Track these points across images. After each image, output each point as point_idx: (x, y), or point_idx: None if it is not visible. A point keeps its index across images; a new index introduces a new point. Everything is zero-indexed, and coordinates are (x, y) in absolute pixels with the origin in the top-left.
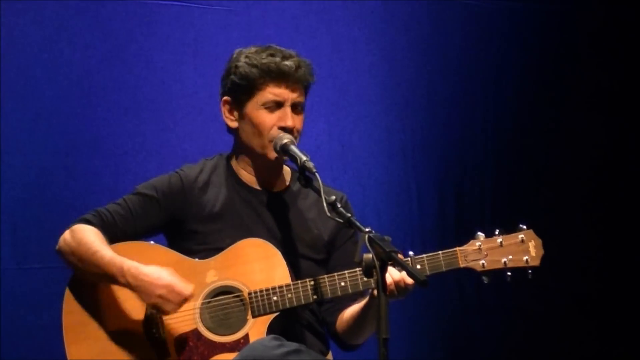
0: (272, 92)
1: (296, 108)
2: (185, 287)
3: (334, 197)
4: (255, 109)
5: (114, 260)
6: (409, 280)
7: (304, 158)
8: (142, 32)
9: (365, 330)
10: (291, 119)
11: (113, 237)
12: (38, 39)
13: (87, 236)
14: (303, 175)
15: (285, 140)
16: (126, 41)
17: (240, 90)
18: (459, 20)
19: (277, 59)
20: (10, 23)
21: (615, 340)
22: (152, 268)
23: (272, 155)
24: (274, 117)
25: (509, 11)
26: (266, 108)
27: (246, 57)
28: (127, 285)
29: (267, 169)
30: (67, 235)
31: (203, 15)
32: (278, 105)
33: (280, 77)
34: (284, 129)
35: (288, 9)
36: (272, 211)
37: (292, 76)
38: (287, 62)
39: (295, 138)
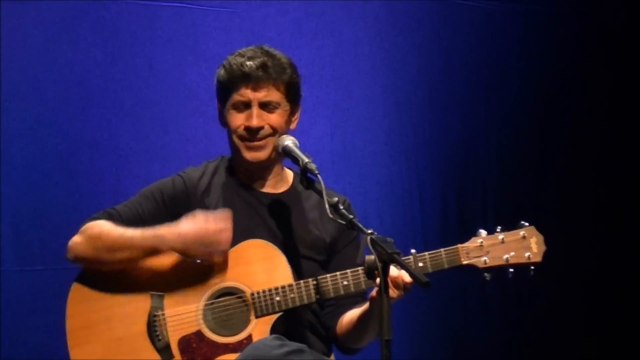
0: (238, 93)
1: (267, 107)
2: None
3: (336, 199)
4: (228, 110)
5: (145, 233)
6: (408, 278)
7: (306, 159)
8: (144, 33)
9: (366, 334)
10: (256, 118)
11: None
12: (40, 40)
13: (103, 227)
14: (305, 176)
15: (287, 142)
16: (128, 43)
17: (219, 94)
18: (462, 22)
19: (242, 60)
20: (12, 24)
21: (621, 341)
22: (187, 225)
23: (247, 155)
24: (242, 117)
25: (511, 12)
26: (235, 109)
27: (226, 61)
28: (173, 249)
29: (256, 170)
30: (77, 238)
31: (205, 17)
32: (246, 105)
33: (243, 78)
34: (249, 129)
35: (290, 11)
36: (273, 212)
37: (253, 77)
38: (249, 63)
39: (270, 135)
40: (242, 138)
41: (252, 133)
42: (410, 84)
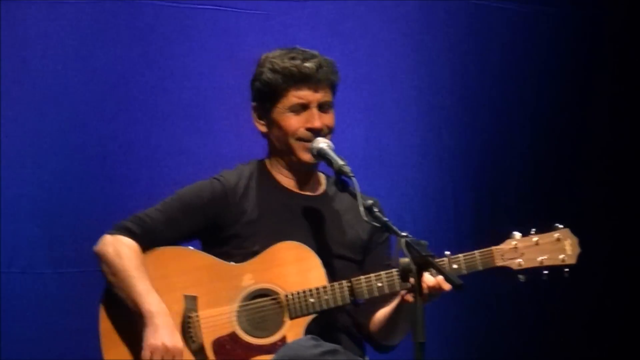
0: (296, 95)
1: (323, 107)
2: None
3: (371, 202)
4: (282, 114)
5: (146, 295)
6: (446, 286)
7: (341, 162)
8: (178, 36)
9: (398, 330)
10: (318, 120)
11: (152, 242)
12: (74, 42)
13: (126, 256)
14: (339, 179)
15: (322, 145)
16: (162, 46)
17: (266, 97)
18: (497, 24)
19: (298, 62)
20: (43, 26)
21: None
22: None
23: (304, 156)
24: (301, 119)
25: (544, 15)
26: (292, 111)
27: (269, 62)
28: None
29: (301, 172)
30: (109, 240)
31: (239, 20)
32: (304, 107)
33: (302, 80)
34: (312, 130)
35: (324, 13)
36: (308, 214)
37: (314, 77)
38: (307, 64)
39: (327, 135)
40: (300, 139)
41: (315, 134)
42: (444, 87)
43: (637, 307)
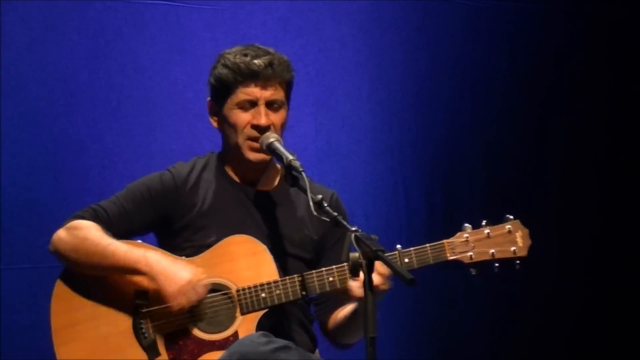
0: (244, 91)
1: (272, 105)
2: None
3: (320, 196)
4: (231, 109)
5: (130, 252)
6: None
7: (290, 157)
8: (129, 31)
9: (356, 331)
10: (265, 117)
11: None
12: (25, 39)
13: (91, 232)
14: (290, 174)
15: (271, 139)
16: (113, 41)
17: (217, 92)
18: (447, 19)
19: (248, 59)
20: None
21: (609, 336)
22: (178, 266)
23: (251, 156)
24: (248, 115)
25: (498, 10)
26: (240, 108)
27: (223, 58)
28: (148, 274)
29: (251, 168)
30: (63, 233)
31: (190, 15)
32: (252, 104)
33: (250, 76)
34: (257, 127)
35: (275, 8)
36: (261, 209)
37: (262, 74)
38: (256, 61)
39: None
40: (248, 137)
41: (260, 131)
42: (396, 82)
43: (590, 297)
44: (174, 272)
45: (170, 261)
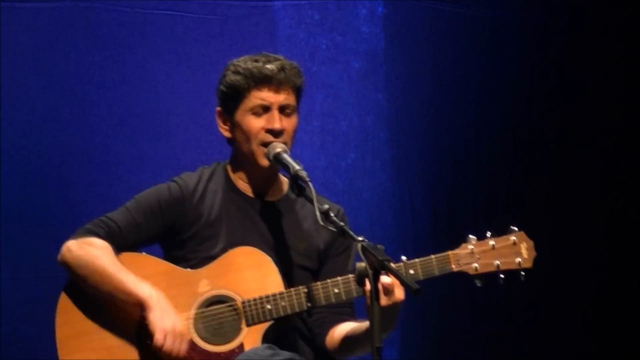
0: (257, 96)
1: (284, 110)
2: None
3: (327, 206)
4: (244, 115)
5: (134, 286)
6: (399, 291)
7: (297, 167)
8: (135, 41)
9: (359, 352)
10: (278, 121)
11: (116, 246)
12: (32, 48)
13: (103, 254)
14: (296, 184)
15: (278, 149)
16: (120, 51)
17: (229, 99)
18: (453, 27)
19: (259, 64)
20: (5, 32)
21: (604, 342)
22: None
23: (263, 162)
24: (262, 120)
25: (502, 19)
26: (253, 113)
27: (233, 66)
28: (142, 314)
29: (261, 177)
30: (74, 246)
31: (197, 25)
32: (265, 109)
33: (263, 81)
34: (272, 132)
35: (282, 19)
36: (266, 220)
37: (275, 79)
38: (269, 66)
39: (287, 142)
40: (262, 143)
41: (275, 135)
42: (401, 91)
43: (591, 308)
44: (170, 319)
45: (172, 313)
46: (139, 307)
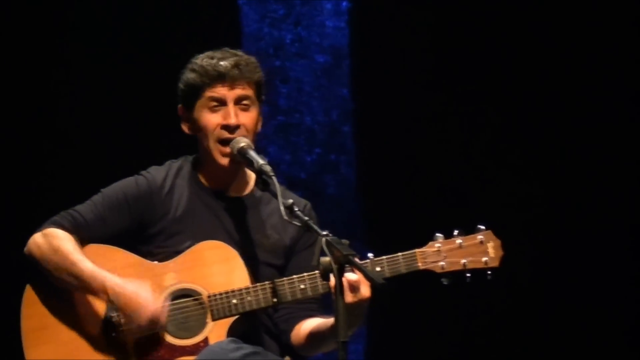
0: (212, 92)
1: (241, 102)
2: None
3: (291, 201)
4: (201, 112)
5: (95, 274)
6: (365, 288)
7: (261, 161)
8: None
9: (325, 348)
10: (234, 117)
11: (82, 239)
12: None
13: (63, 244)
14: (260, 179)
15: (242, 144)
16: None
17: (187, 97)
18: (418, 21)
19: (214, 61)
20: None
21: (589, 343)
22: (134, 287)
23: (222, 160)
24: (218, 116)
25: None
26: (209, 109)
27: (191, 63)
28: (108, 302)
29: (224, 173)
30: (39, 239)
31: (162, 19)
32: (221, 103)
33: (217, 77)
34: (227, 127)
35: (247, 14)
36: (232, 216)
37: (228, 76)
38: (222, 63)
39: (246, 137)
40: (219, 141)
41: (230, 131)
42: (366, 86)
43: (560, 308)
44: (136, 295)
45: (131, 285)
46: (105, 295)
